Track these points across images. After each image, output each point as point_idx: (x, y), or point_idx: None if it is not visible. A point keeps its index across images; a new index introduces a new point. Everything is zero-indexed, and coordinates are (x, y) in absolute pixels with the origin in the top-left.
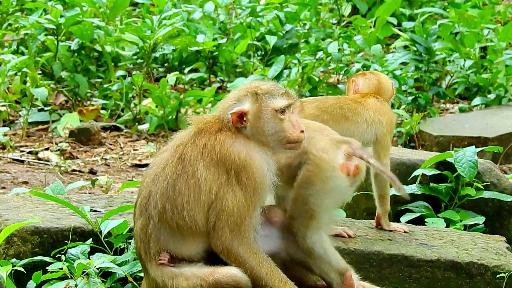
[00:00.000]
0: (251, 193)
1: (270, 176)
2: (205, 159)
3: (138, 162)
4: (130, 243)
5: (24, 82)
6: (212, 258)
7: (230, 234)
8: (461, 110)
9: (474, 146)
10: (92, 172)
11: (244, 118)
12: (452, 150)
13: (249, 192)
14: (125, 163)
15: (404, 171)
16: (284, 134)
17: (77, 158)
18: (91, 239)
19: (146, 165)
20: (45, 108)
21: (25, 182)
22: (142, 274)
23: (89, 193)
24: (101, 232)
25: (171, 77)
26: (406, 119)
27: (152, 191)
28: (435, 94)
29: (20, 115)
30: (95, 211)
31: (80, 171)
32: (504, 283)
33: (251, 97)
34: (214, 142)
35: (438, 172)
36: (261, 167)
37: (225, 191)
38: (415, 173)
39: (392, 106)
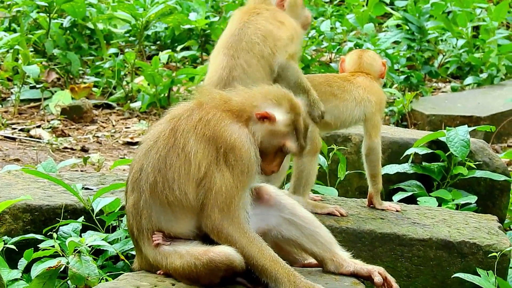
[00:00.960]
0: (239, 174)
1: (256, 165)
2: (198, 133)
3: (130, 140)
4: (122, 221)
5: (16, 60)
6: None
7: (220, 214)
8: (453, 89)
9: (466, 125)
10: (84, 149)
11: (266, 121)
12: (444, 129)
13: (236, 173)
14: (117, 141)
15: (396, 150)
16: (264, 160)
17: (69, 135)
18: (83, 217)
19: (138, 143)
20: (37, 86)
21: (17, 160)
22: (134, 252)
23: (81, 171)
24: (93, 210)
25: (163, 55)
26: (399, 98)
27: (144, 165)
28: (428, 73)
29: (11, 93)
30: (87, 188)
31: (72, 148)
32: (496, 262)
33: (288, 118)
34: (211, 118)
35: (431, 151)
36: (249, 153)
37: (213, 170)
38: (407, 152)
39: (385, 85)
